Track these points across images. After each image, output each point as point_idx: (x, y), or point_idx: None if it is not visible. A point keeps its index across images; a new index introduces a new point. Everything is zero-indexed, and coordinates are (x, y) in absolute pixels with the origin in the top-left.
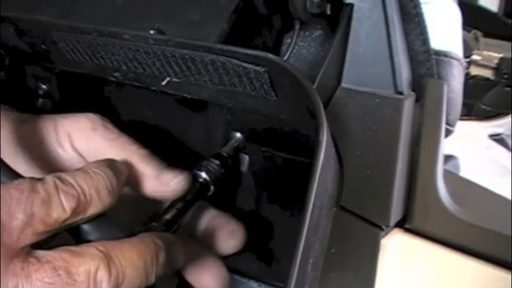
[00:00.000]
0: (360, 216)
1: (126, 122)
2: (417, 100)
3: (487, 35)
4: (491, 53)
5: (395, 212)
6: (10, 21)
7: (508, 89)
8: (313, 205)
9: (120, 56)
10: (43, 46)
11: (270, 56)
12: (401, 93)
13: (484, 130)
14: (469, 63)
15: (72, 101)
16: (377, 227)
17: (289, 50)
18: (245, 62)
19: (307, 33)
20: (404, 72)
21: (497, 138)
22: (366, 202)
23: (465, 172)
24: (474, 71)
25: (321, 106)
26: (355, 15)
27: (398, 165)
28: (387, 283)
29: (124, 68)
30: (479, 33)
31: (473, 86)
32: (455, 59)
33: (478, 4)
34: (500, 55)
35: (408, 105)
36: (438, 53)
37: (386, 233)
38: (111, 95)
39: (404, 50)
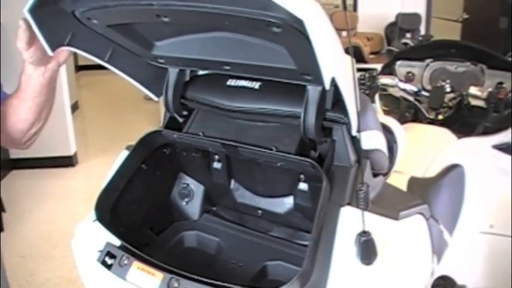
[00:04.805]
0: (333, 201)
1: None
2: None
3: (491, 67)
4: (483, 88)
5: (347, 199)
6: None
7: (495, 114)
8: (320, 211)
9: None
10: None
11: (310, 160)
12: (351, 165)
13: (489, 143)
14: (467, 95)
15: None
16: (339, 205)
17: (318, 150)
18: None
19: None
20: (352, 158)
21: (503, 148)
22: (336, 195)
23: (469, 176)
24: (472, 101)
25: (325, 176)
26: (335, 143)
27: (348, 186)
28: (343, 228)
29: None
30: (484, 66)
31: (474, 111)
32: (378, 150)
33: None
34: (489, 89)
35: (353, 169)
36: (369, 150)
37: (342, 206)
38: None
39: (353, 151)
